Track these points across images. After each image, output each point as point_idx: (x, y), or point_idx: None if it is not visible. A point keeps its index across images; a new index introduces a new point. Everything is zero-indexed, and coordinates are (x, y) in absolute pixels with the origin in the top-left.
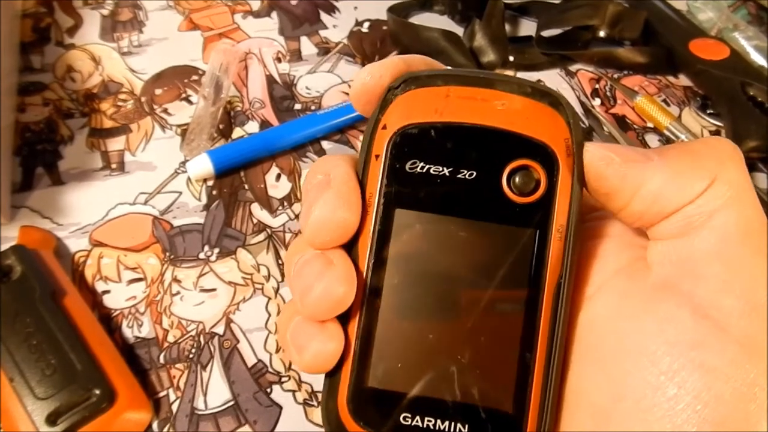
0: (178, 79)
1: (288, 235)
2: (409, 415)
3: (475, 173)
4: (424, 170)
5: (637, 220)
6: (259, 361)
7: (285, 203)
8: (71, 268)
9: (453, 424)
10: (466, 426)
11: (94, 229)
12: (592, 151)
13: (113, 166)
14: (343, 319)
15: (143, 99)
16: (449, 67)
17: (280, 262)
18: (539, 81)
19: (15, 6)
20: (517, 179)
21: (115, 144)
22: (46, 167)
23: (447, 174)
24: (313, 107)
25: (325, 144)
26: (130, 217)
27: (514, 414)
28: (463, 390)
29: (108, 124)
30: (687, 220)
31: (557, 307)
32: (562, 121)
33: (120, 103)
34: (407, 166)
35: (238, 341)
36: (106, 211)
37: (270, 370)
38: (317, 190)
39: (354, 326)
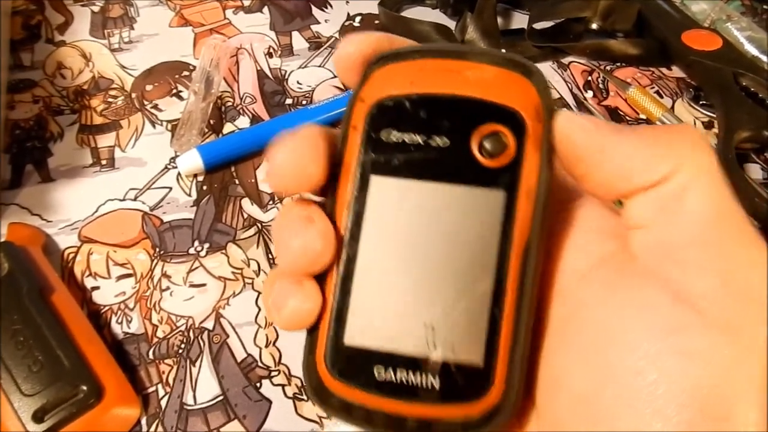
0: (168, 75)
1: None
2: (383, 369)
3: (447, 140)
4: (399, 139)
5: (605, 190)
6: (249, 355)
7: (275, 198)
8: (60, 265)
9: (425, 377)
10: (437, 378)
11: (83, 226)
12: (565, 117)
13: (103, 162)
14: (322, 278)
15: (134, 95)
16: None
17: (270, 256)
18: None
19: (5, 4)
20: (486, 144)
21: (105, 140)
22: (36, 164)
23: (420, 142)
24: (304, 102)
25: None
26: (120, 213)
27: (484, 368)
28: (435, 345)
29: (98, 120)
30: (661, 204)
31: (526, 266)
32: (533, 89)
33: (110, 100)
34: (383, 135)
35: (227, 336)
36: (96, 207)
37: (260, 364)
38: (280, 143)
39: (332, 286)
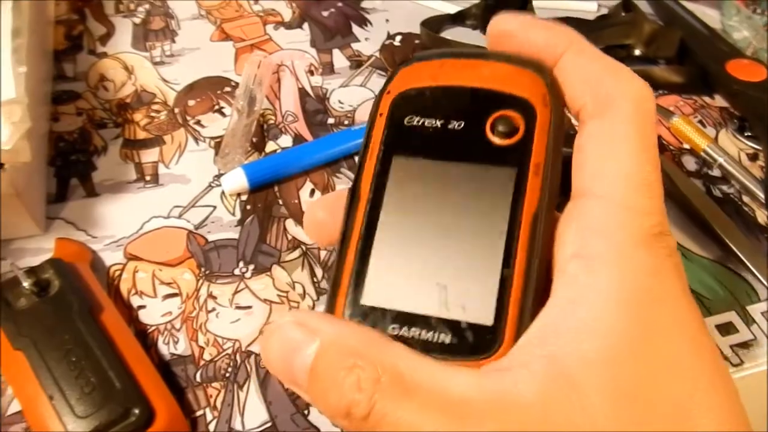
0: (210, 90)
1: (323, 253)
2: (397, 326)
3: (462, 123)
4: (419, 123)
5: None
6: None
7: None
8: (106, 282)
9: (436, 334)
10: (448, 335)
11: (128, 243)
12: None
13: (147, 178)
14: (345, 245)
15: (176, 110)
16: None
17: (314, 279)
18: None
19: (49, 11)
20: (498, 125)
21: (148, 155)
22: (80, 178)
23: (438, 125)
24: (346, 122)
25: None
26: (165, 230)
27: (493, 326)
28: (448, 306)
29: (141, 135)
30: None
31: (535, 233)
32: (541, 82)
33: (153, 114)
34: (405, 120)
35: None
36: (141, 224)
37: None
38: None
39: (353, 252)
